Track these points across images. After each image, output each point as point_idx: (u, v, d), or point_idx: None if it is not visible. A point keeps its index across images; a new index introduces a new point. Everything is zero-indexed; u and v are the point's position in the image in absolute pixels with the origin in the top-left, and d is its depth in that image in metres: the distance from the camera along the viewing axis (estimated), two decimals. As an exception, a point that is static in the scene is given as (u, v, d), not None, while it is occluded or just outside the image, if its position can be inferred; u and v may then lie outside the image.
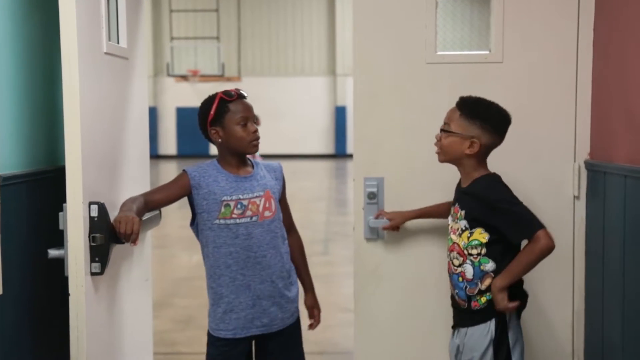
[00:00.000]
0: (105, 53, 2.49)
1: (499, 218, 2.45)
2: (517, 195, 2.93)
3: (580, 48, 2.94)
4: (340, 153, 21.62)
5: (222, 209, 2.54)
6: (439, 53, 2.97)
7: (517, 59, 2.94)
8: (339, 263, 7.43)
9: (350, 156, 3.11)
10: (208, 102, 2.59)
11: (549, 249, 2.42)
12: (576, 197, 2.98)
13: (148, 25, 21.31)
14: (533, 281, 2.99)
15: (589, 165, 2.92)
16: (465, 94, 2.91)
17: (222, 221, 2.54)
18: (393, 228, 2.92)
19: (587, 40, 2.93)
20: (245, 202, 2.55)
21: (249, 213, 2.55)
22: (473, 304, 2.53)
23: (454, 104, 2.94)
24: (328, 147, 22.31)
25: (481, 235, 2.49)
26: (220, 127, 2.56)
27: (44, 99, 2.64)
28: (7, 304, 2.33)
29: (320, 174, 17.16)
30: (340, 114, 21.91)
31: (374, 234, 3.00)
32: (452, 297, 2.64)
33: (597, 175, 2.86)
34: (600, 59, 2.88)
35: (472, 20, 3.26)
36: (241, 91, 2.61)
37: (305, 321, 2.80)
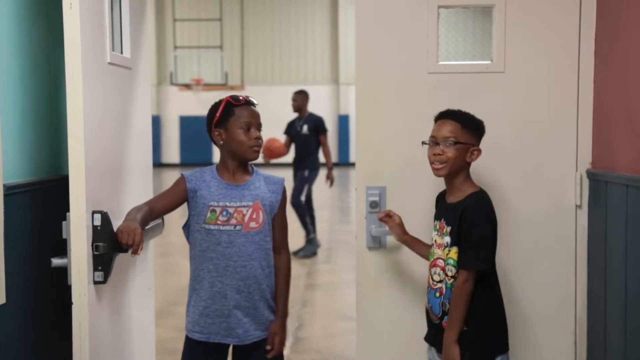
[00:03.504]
0: (109, 63, 2.50)
1: (464, 240, 2.48)
2: (519, 204, 2.95)
3: (582, 58, 2.95)
4: (343, 161, 21.62)
5: (208, 214, 2.56)
6: (440, 63, 2.98)
7: (519, 68, 2.95)
8: (342, 271, 7.43)
9: (353, 165, 3.11)
10: (216, 104, 2.65)
11: (469, 292, 2.46)
12: (578, 206, 2.98)
13: (152, 34, 21.39)
14: (536, 290, 2.99)
15: (590, 175, 2.93)
16: (467, 103, 2.92)
17: (206, 226, 2.56)
18: (388, 217, 2.79)
19: (588, 50, 2.94)
20: (231, 210, 2.56)
21: (233, 221, 2.56)
22: (444, 323, 2.55)
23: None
24: (331, 156, 22.34)
25: (455, 255, 2.51)
26: (223, 129, 2.60)
27: (47, 109, 2.65)
28: (10, 313, 2.33)
29: (323, 182, 17.14)
30: (343, 122, 21.93)
31: (376, 243, 3.01)
32: (426, 312, 2.66)
33: (599, 184, 2.86)
34: (601, 68, 2.89)
35: (474, 31, 3.28)
36: (250, 98, 2.64)
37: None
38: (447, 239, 2.53)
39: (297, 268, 7.34)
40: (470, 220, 2.47)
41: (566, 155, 2.98)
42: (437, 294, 2.56)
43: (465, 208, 2.49)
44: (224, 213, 2.56)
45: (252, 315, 2.60)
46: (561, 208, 2.98)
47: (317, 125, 8.44)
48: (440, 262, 2.56)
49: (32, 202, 2.50)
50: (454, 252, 2.51)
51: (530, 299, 2.99)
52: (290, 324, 5.31)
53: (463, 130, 2.55)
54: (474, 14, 3.29)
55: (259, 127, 2.62)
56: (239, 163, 2.63)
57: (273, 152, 8.26)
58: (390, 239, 2.99)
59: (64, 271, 2.32)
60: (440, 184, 2.87)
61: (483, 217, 2.49)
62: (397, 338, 3.04)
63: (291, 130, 8.59)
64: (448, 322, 2.50)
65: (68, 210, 2.25)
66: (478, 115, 2.76)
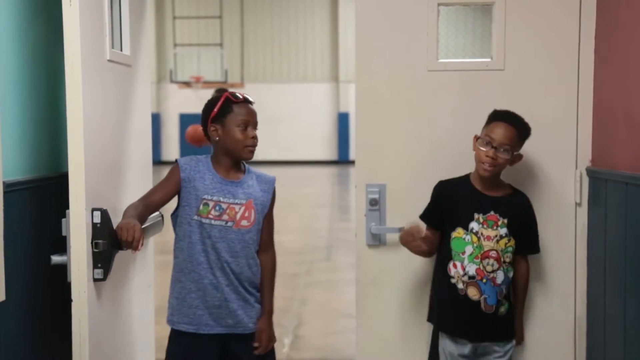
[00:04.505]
0: (109, 60, 2.50)
1: (527, 230, 2.75)
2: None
3: (582, 55, 2.94)
4: (343, 159, 21.63)
5: (201, 207, 2.55)
6: (440, 60, 2.98)
7: (519, 66, 2.95)
8: (341, 269, 7.43)
9: (353, 162, 3.11)
10: (214, 99, 2.64)
11: None
12: (578, 204, 2.98)
13: (151, 32, 21.37)
14: (535, 288, 2.99)
15: (590, 172, 2.93)
16: (467, 101, 2.93)
17: (198, 218, 2.56)
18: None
19: (588, 47, 2.94)
20: (224, 206, 2.56)
21: (225, 217, 2.56)
22: (497, 311, 2.71)
23: (455, 111, 2.97)
24: (331, 154, 22.33)
25: (514, 243, 2.71)
26: (220, 125, 2.59)
27: (47, 106, 2.65)
28: (9, 310, 2.33)
29: (323, 181, 17.16)
30: (343, 120, 21.93)
31: (375, 241, 3.01)
32: (473, 304, 2.69)
33: (598, 182, 2.86)
34: (601, 65, 2.89)
35: (474, 28, 3.28)
36: (248, 97, 2.64)
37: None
38: (505, 230, 2.70)
39: (297, 266, 7.34)
40: (533, 213, 2.78)
41: (566, 153, 2.97)
42: (492, 284, 2.68)
43: (527, 203, 2.78)
44: (217, 208, 2.56)
45: (244, 308, 2.61)
46: (561, 206, 2.97)
47: None
48: (494, 254, 2.67)
49: (32, 200, 2.50)
50: (513, 241, 2.72)
51: (530, 297, 2.99)
52: (290, 321, 5.32)
53: (519, 138, 2.70)
54: (474, 11, 3.29)
55: (255, 126, 2.62)
56: (233, 161, 2.63)
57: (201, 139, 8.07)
58: (390, 237, 2.99)
59: (63, 268, 2.32)
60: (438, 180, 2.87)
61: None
62: (397, 336, 3.04)
63: None
64: (521, 304, 2.82)
65: (68, 207, 2.26)
66: (478, 113, 2.80)
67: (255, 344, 2.63)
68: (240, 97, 2.60)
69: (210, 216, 2.55)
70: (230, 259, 2.57)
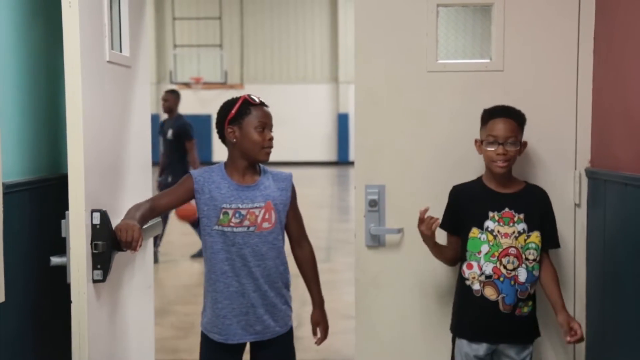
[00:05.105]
0: (108, 62, 2.51)
1: (548, 224, 2.74)
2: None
3: (581, 56, 2.95)
4: (342, 160, 21.62)
5: (221, 216, 2.57)
6: (440, 61, 2.98)
7: (518, 67, 2.96)
8: (341, 270, 7.43)
9: (353, 163, 3.12)
10: (231, 101, 2.66)
11: None
12: (577, 205, 2.98)
13: (151, 33, 21.36)
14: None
15: (589, 173, 2.93)
16: (466, 102, 2.93)
17: (219, 228, 2.57)
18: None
19: (587, 48, 2.94)
20: (243, 212, 2.57)
21: (246, 223, 2.57)
22: (517, 310, 2.67)
23: (455, 112, 2.97)
24: (330, 154, 22.32)
25: (537, 239, 2.68)
26: (238, 126, 2.61)
27: (46, 107, 2.65)
28: (9, 311, 2.33)
29: (322, 181, 17.16)
30: (342, 121, 21.92)
31: (375, 242, 3.01)
32: (491, 304, 2.66)
33: (597, 183, 2.86)
34: (600, 66, 2.89)
35: (473, 29, 3.28)
36: (263, 100, 2.68)
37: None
38: (523, 226, 2.67)
39: (297, 267, 7.34)
40: (550, 206, 2.75)
41: (565, 154, 2.98)
42: (513, 282, 2.65)
43: (542, 195, 2.76)
44: (237, 215, 2.57)
45: (271, 312, 2.63)
46: (560, 207, 2.97)
47: (181, 131, 7.76)
48: (513, 251, 2.65)
49: (32, 201, 2.50)
50: (534, 237, 2.69)
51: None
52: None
53: (519, 128, 2.70)
54: (473, 12, 3.29)
55: (271, 128, 2.65)
56: (249, 163, 2.64)
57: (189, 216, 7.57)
58: (390, 238, 3.00)
59: (63, 270, 2.32)
60: (439, 181, 2.87)
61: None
62: (396, 336, 3.04)
63: (160, 132, 8.00)
64: (560, 298, 2.70)
65: (67, 208, 2.26)
66: (477, 113, 2.80)
67: (317, 337, 2.75)
68: (257, 100, 2.64)
69: (232, 224, 2.57)
70: (256, 263, 2.59)
